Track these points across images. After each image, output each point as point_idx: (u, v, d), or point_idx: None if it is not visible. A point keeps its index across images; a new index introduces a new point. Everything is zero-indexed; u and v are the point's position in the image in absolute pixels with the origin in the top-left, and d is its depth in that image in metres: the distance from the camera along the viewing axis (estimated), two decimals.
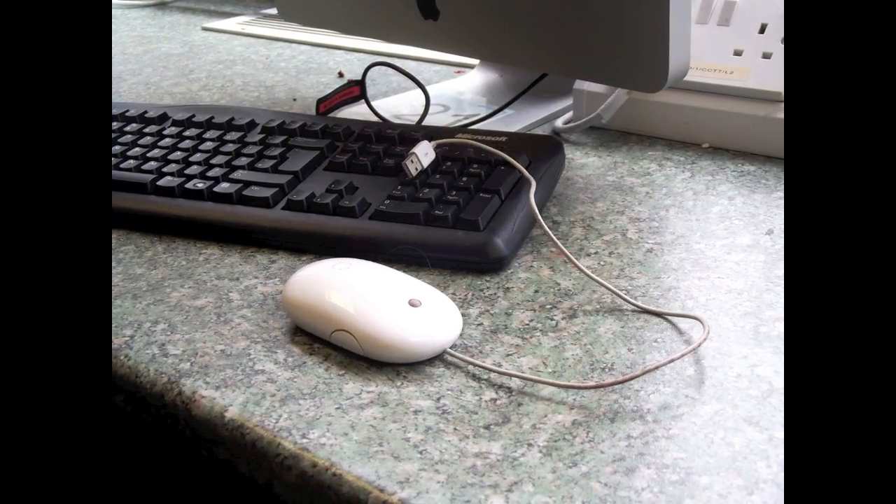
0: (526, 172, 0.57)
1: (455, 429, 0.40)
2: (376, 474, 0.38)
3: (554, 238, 0.51)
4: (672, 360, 0.43)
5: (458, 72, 0.98)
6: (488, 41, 0.67)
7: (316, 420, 0.41)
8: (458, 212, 0.55)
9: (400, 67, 0.75)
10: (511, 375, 0.44)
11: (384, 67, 0.78)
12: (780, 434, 0.39)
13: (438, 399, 0.43)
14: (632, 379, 0.43)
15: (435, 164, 0.60)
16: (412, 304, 0.46)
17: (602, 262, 0.54)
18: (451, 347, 0.46)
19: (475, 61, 0.93)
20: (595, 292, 0.51)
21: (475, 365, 0.45)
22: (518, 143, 0.63)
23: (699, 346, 0.45)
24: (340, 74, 0.99)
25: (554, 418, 0.41)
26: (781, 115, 0.66)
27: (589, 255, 0.55)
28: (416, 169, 0.58)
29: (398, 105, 0.83)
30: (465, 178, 0.58)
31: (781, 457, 0.38)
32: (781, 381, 0.42)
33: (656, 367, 0.43)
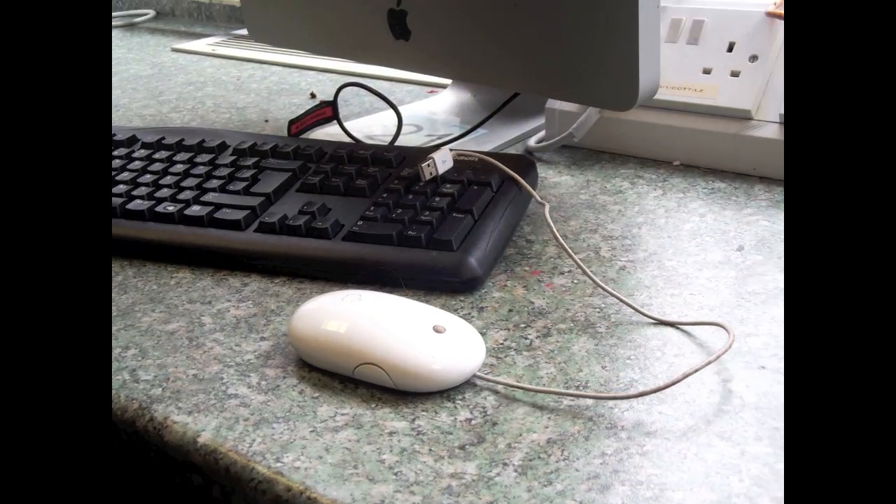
0: (537, 196, 0.57)
1: (430, 449, 0.40)
2: (351, 497, 0.38)
3: (571, 253, 0.52)
4: (708, 363, 0.44)
5: (431, 91, 0.98)
6: (460, 61, 0.67)
7: (290, 444, 0.41)
8: (431, 232, 0.55)
9: (372, 88, 0.76)
10: (549, 393, 0.44)
11: (357, 88, 0.78)
12: (752, 449, 0.39)
13: (413, 420, 0.42)
14: (671, 385, 0.43)
15: (413, 181, 0.60)
16: (437, 330, 0.45)
17: (576, 281, 0.54)
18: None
19: (448, 81, 0.93)
20: (569, 311, 0.51)
21: (507, 385, 0.44)
22: (491, 162, 0.63)
23: (724, 352, 0.45)
24: (313, 95, 0.99)
25: (529, 437, 0.41)
26: (750, 132, 0.67)
27: (563, 273, 0.55)
28: (431, 174, 0.59)
29: (371, 125, 0.83)
30: (437, 198, 0.58)
31: (753, 471, 0.38)
32: (753, 396, 0.43)
33: (694, 371, 0.43)
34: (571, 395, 0.44)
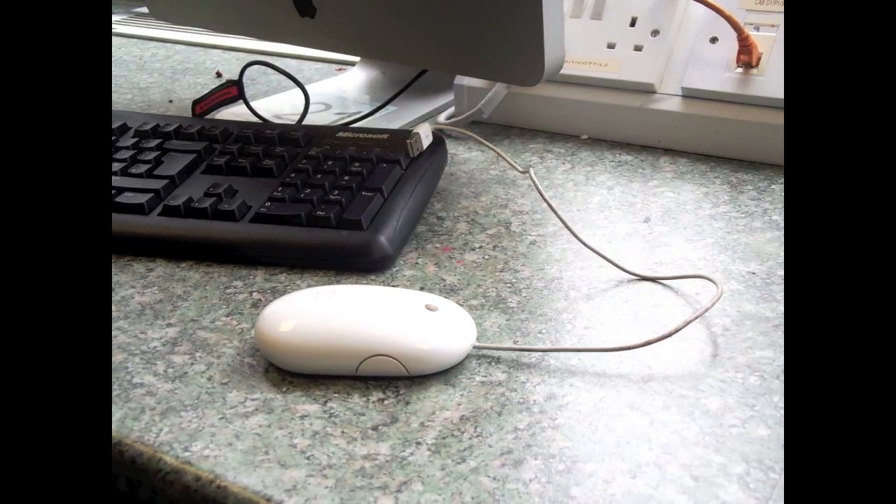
0: (517, 166, 0.57)
1: (343, 432, 0.40)
2: (262, 483, 0.37)
3: (557, 213, 0.51)
4: (696, 318, 0.45)
5: (340, 69, 0.97)
6: (367, 38, 0.66)
7: (199, 432, 0.40)
8: (340, 212, 0.54)
9: (277, 66, 0.74)
10: (546, 351, 0.44)
11: (264, 67, 0.76)
12: (661, 417, 0.40)
13: (325, 402, 0.42)
14: (672, 334, 0.44)
15: (317, 164, 0.59)
16: (430, 308, 0.44)
17: (486, 256, 0.54)
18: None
19: (357, 58, 0.92)
20: (480, 287, 0.51)
21: (506, 349, 0.45)
22: (400, 139, 0.62)
23: (712, 305, 0.46)
24: (218, 74, 0.96)
25: (442, 415, 0.41)
26: (654, 105, 0.68)
27: (473, 249, 0.55)
28: (418, 150, 0.59)
29: (279, 105, 0.82)
30: (347, 177, 0.57)
31: (663, 439, 0.39)
32: (661, 365, 0.43)
33: (688, 323, 0.44)
34: (573, 350, 0.45)
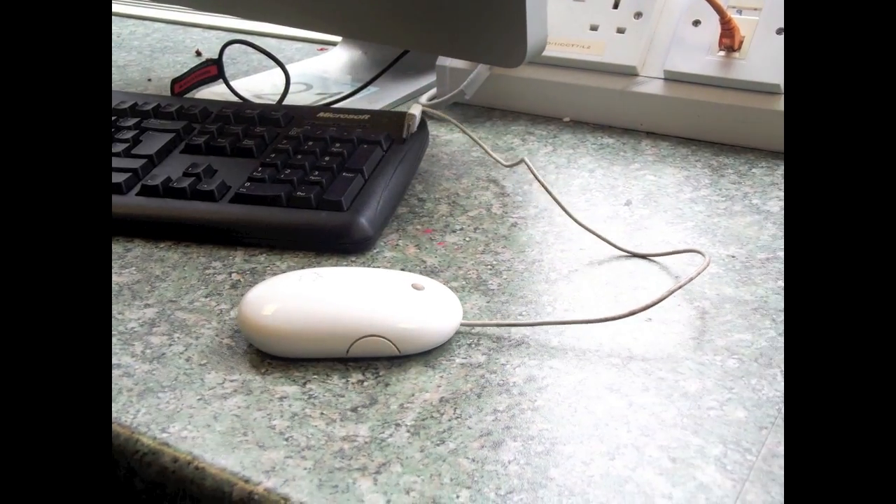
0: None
1: (322, 413, 0.40)
2: (241, 465, 0.37)
3: (554, 196, 0.51)
4: (680, 287, 0.45)
5: (321, 49, 0.96)
6: (348, 17, 0.66)
7: (177, 413, 0.40)
8: (321, 193, 0.54)
9: (257, 45, 0.73)
10: (535, 325, 0.45)
11: (245, 45, 0.75)
12: (639, 399, 0.40)
13: (304, 384, 0.42)
14: (659, 301, 0.44)
15: (297, 144, 0.59)
16: (416, 287, 0.44)
17: (467, 238, 0.54)
18: None
19: (338, 38, 0.91)
20: (461, 268, 0.51)
21: (493, 325, 0.45)
22: (381, 120, 0.62)
23: (699, 274, 0.47)
24: (198, 53, 0.95)
25: (422, 397, 0.41)
26: (636, 88, 0.68)
27: (454, 231, 0.55)
28: (411, 131, 0.60)
29: (259, 84, 0.81)
30: (327, 158, 0.57)
31: (641, 421, 0.39)
32: (641, 348, 0.44)
33: (672, 292, 0.45)
34: (558, 323, 0.45)
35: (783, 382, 0.41)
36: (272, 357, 0.44)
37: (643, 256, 0.52)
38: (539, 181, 0.57)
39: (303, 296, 0.43)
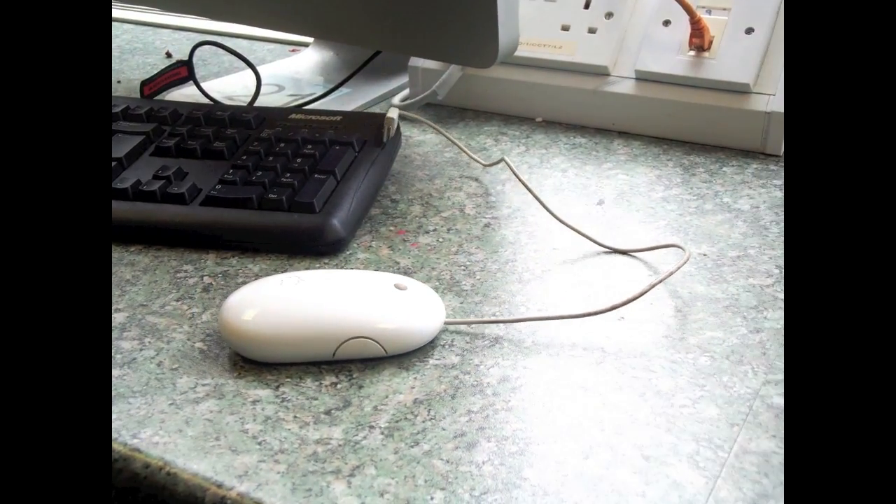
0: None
1: (295, 416, 0.40)
2: (213, 469, 0.37)
3: (535, 194, 0.51)
4: (661, 281, 0.46)
5: (293, 50, 0.95)
6: (319, 18, 0.65)
7: (148, 418, 0.40)
8: (292, 195, 0.54)
9: (227, 46, 0.73)
10: (517, 321, 0.45)
11: (216, 47, 0.75)
12: (613, 398, 0.40)
13: (277, 387, 0.42)
14: (638, 297, 0.45)
15: (269, 146, 0.58)
16: (399, 287, 0.44)
17: (441, 239, 0.54)
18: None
19: (310, 39, 0.91)
20: (434, 269, 0.51)
21: (475, 322, 0.45)
22: (353, 122, 0.62)
23: (679, 269, 0.47)
24: (168, 55, 0.95)
25: (395, 398, 0.41)
26: (608, 87, 0.68)
27: (428, 232, 0.55)
28: (390, 136, 0.60)
29: (230, 86, 0.80)
30: (299, 160, 0.57)
31: (615, 420, 0.39)
32: (614, 346, 0.44)
33: (653, 286, 0.46)
34: (537, 319, 0.45)
35: (754, 380, 0.41)
36: (245, 361, 0.43)
37: (624, 252, 0.52)
38: (521, 181, 0.57)
39: (285, 299, 0.43)
